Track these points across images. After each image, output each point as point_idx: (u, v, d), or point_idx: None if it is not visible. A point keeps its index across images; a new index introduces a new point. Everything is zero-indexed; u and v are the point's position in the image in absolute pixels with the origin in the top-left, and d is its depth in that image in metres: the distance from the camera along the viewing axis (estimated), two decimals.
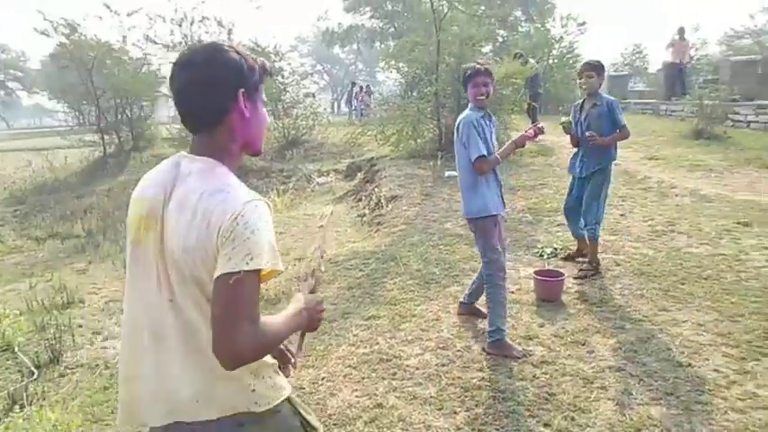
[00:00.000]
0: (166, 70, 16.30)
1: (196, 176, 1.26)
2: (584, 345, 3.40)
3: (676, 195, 6.61)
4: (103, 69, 16.14)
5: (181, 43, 14.11)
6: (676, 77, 14.55)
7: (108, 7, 14.81)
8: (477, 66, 3.50)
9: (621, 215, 5.97)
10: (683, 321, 3.59)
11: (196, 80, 1.26)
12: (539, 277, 4.11)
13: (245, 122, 1.31)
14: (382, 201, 7.57)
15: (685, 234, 5.23)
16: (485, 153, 3.38)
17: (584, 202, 4.54)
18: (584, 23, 21.03)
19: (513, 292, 4.23)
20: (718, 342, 3.30)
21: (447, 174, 8.29)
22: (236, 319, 1.15)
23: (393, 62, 12.63)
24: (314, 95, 24.95)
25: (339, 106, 44.50)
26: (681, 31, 14.77)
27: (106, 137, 16.94)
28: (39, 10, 14.72)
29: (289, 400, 1.41)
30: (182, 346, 1.26)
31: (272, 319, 1.28)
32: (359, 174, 11.37)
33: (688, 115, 12.02)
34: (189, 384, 1.27)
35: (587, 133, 4.39)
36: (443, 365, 3.31)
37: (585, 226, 4.59)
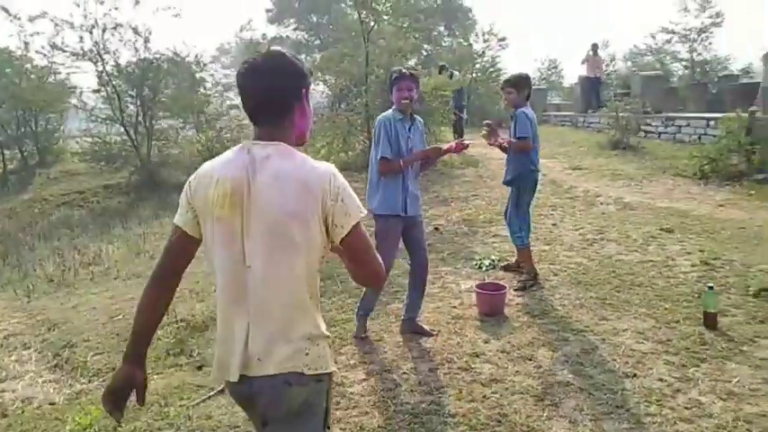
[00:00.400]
0: (77, 80, 15.27)
1: (278, 157, 1.45)
2: (530, 360, 3.33)
3: (602, 204, 6.83)
4: (1, 78, 14.87)
5: (92, 51, 13.18)
6: (592, 91, 15.32)
7: (6, 10, 13.61)
8: (404, 70, 3.62)
9: (553, 224, 6.07)
10: (624, 330, 3.61)
11: (271, 82, 1.47)
12: (481, 291, 4.03)
13: (303, 116, 1.55)
14: None
15: (615, 242, 5.37)
16: (388, 155, 3.45)
17: (508, 210, 4.66)
18: (504, 39, 21.84)
19: (455, 307, 4.14)
20: (658, 350, 3.33)
21: None
22: (371, 252, 1.50)
23: (320, 74, 12.46)
24: (238, 107, 24.32)
25: None
26: (594, 47, 15.60)
27: (7, 152, 15.60)
28: None
29: (329, 378, 1.53)
30: (256, 309, 1.44)
31: None
32: None
33: (604, 127, 12.64)
34: (265, 342, 1.44)
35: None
36: (390, 390, 3.13)
37: (512, 235, 4.64)
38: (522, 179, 4.49)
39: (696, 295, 4.03)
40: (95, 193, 14.57)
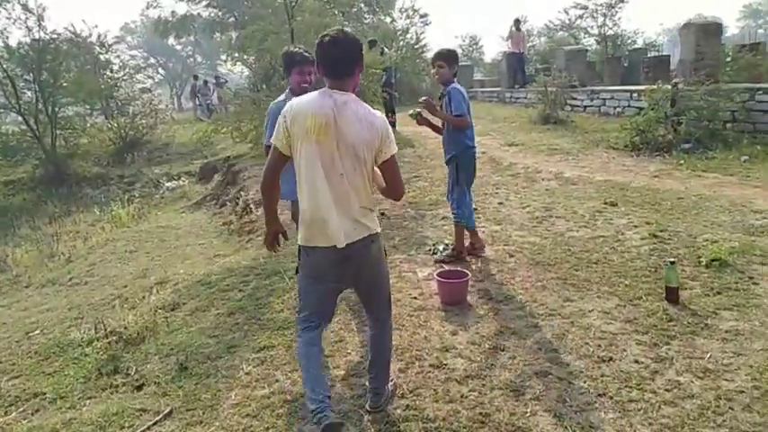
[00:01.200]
0: None
1: (353, 103, 2.31)
2: (503, 350, 3.17)
3: (543, 180, 6.84)
4: None
5: None
6: (517, 66, 15.54)
7: None
8: (306, 53, 3.61)
9: (500, 203, 5.99)
10: (590, 311, 3.54)
11: (346, 50, 2.31)
12: (442, 280, 3.84)
13: (359, 77, 2.42)
14: (251, 205, 6.87)
15: (563, 218, 5.35)
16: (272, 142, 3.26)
17: (449, 187, 4.57)
18: (426, 16, 21.74)
19: (416, 298, 3.92)
20: (628, 330, 3.28)
21: None
22: (399, 176, 2.47)
23: (238, 54, 11.77)
24: (150, 90, 22.77)
25: (180, 102, 41.34)
26: (516, 22, 15.78)
27: None
28: None
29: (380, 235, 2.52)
30: (346, 199, 2.31)
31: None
32: (215, 176, 10.43)
33: (532, 102, 12.84)
34: (351, 220, 2.34)
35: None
36: (360, 397, 2.86)
37: (451, 210, 4.58)
38: (461, 157, 4.41)
39: (652, 269, 4.05)
40: None
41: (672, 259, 3.64)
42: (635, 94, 10.23)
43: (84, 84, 14.25)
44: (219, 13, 30.70)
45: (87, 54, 16.04)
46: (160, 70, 50.85)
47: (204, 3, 31.07)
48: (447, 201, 4.79)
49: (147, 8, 36.05)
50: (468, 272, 3.95)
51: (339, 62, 2.29)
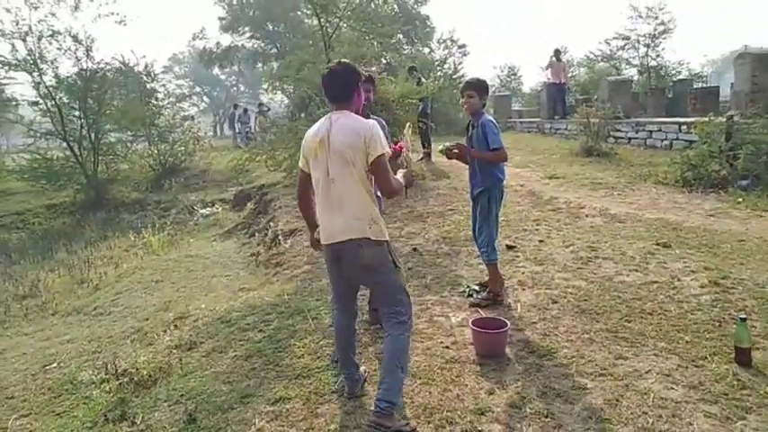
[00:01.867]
0: (13, 91, 14.02)
1: (344, 118, 2.71)
2: (547, 416, 2.78)
3: (587, 216, 6.42)
4: None
5: (26, 60, 12.13)
6: (557, 97, 15.16)
7: None
8: (365, 72, 3.42)
9: (541, 241, 5.60)
10: (647, 372, 3.11)
11: (341, 80, 2.75)
12: (478, 329, 3.48)
13: (359, 100, 2.86)
14: (279, 236, 6.67)
15: (611, 260, 4.92)
16: None
17: (477, 224, 4.28)
18: (464, 46, 21.63)
19: (448, 347, 3.57)
20: (693, 397, 2.85)
21: None
22: (387, 176, 2.70)
23: (278, 83, 11.80)
24: (193, 118, 23.27)
25: (222, 129, 42.29)
26: (557, 52, 15.46)
27: None
28: None
29: (387, 244, 2.79)
30: (337, 203, 2.71)
31: (397, 176, 2.88)
32: (248, 203, 10.33)
33: (573, 133, 12.41)
34: (342, 221, 2.71)
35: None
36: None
37: (480, 249, 4.32)
38: (495, 190, 4.17)
39: (716, 323, 3.60)
40: (36, 214, 13.42)
41: (743, 315, 3.19)
42: (684, 127, 9.70)
43: (128, 111, 14.57)
44: (262, 45, 31.54)
45: (134, 83, 16.45)
46: (205, 98, 52.39)
47: (248, 35, 32.09)
48: (473, 241, 4.54)
49: (194, 39, 37.31)
50: (506, 321, 3.58)
51: (336, 90, 2.76)
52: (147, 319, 5.20)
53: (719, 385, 2.93)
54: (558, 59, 15.39)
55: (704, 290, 4.14)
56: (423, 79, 11.45)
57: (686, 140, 9.41)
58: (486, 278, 4.41)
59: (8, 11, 11.56)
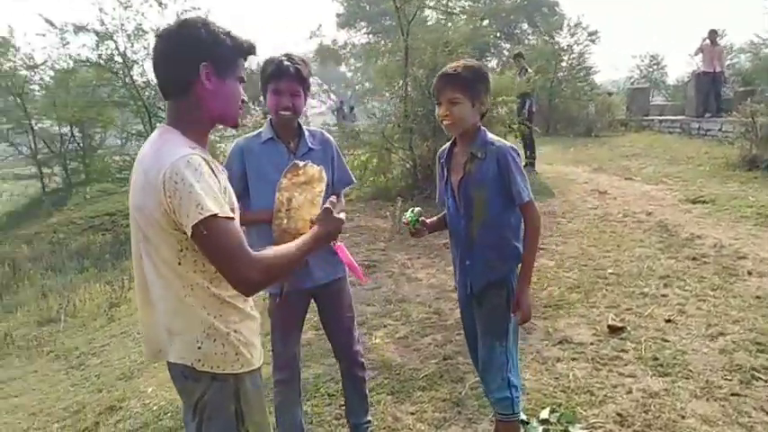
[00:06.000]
0: (104, 92, 14.08)
1: (149, 143, 1.46)
2: None
3: (750, 274, 4.14)
4: (35, 91, 14.14)
5: (115, 60, 11.99)
6: (710, 89, 12.11)
7: (51, 23, 12.72)
8: (285, 62, 2.19)
9: (668, 321, 3.52)
10: None
11: (163, 53, 1.45)
12: None
13: (210, 94, 1.44)
14: None
15: None
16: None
17: (480, 344, 2.22)
18: (595, 33, 18.74)
19: None
20: None
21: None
22: (227, 258, 1.33)
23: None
24: (306, 116, 22.99)
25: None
26: (712, 34, 12.36)
27: (47, 169, 14.81)
28: None
29: (236, 379, 1.46)
30: (144, 297, 1.47)
31: (280, 247, 1.49)
32: None
33: (729, 136, 9.57)
34: (153, 330, 1.47)
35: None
36: None
37: (488, 394, 2.25)
38: (509, 286, 2.15)
39: None
40: (126, 215, 13.36)
41: None
42: None
43: None
44: (380, 40, 30.69)
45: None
46: (332, 96, 53.02)
47: (364, 30, 31.55)
48: (476, 375, 2.58)
49: (311, 37, 37.59)
50: None
51: (157, 72, 1.50)
52: (111, 390, 3.99)
53: None
54: (714, 43, 12.29)
55: None
56: (528, 69, 9.38)
57: None
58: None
59: (101, 10, 11.11)
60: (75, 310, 6.85)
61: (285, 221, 1.84)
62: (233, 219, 1.37)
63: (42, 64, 14.00)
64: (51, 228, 12.69)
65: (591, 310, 3.80)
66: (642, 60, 26.65)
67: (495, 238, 2.11)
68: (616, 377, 2.96)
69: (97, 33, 11.88)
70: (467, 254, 2.17)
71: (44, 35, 14.03)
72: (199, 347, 1.42)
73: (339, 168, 2.42)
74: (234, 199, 1.51)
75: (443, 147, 2.31)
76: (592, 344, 3.33)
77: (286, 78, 2.18)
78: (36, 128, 14.39)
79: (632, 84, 23.08)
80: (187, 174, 1.31)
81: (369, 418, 2.62)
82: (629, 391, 2.81)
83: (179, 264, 1.39)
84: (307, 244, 1.51)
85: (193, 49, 1.42)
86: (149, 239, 1.41)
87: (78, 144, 15.62)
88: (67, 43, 12.79)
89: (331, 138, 2.47)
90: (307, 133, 2.34)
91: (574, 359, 3.18)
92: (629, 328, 3.45)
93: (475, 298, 2.20)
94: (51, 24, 12.54)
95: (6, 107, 14.29)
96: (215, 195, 1.34)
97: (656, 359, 3.08)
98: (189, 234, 1.32)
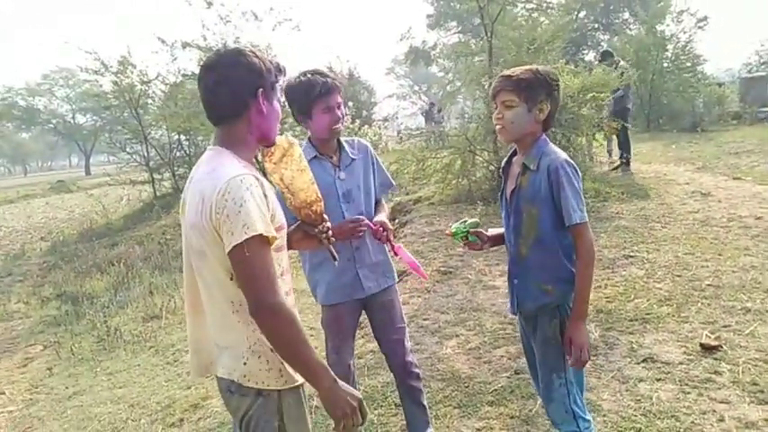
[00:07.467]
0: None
1: (204, 163, 1.52)
2: None
3: None
4: (149, 104, 15.39)
5: None
6: None
7: (163, 41, 13.89)
8: (328, 78, 2.22)
9: None
10: None
11: (222, 80, 1.49)
12: None
13: (263, 117, 1.54)
14: None
15: None
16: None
17: (539, 372, 2.07)
18: (704, 18, 17.24)
19: None
20: None
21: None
22: (260, 278, 1.37)
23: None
24: (385, 119, 23.21)
25: None
26: None
27: (158, 176, 16.09)
28: (88, 50, 14.21)
29: (280, 395, 1.50)
30: (194, 312, 1.59)
31: (301, 329, 1.44)
32: (395, 221, 9.10)
33: None
34: (203, 345, 1.58)
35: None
36: None
37: (554, 425, 2.10)
38: (567, 308, 1.96)
39: None
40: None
41: None
42: None
43: None
44: (472, 40, 30.37)
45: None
46: (423, 97, 53.17)
47: (454, 30, 31.35)
48: (535, 385, 2.38)
49: (401, 40, 37.87)
50: None
51: (216, 98, 1.55)
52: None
53: None
54: None
55: None
56: (622, 62, 8.82)
57: None
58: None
59: (204, 26, 11.97)
60: (175, 307, 7.34)
61: (291, 198, 1.90)
62: (277, 239, 1.45)
63: (155, 78, 15.28)
64: (160, 229, 13.72)
65: (682, 325, 3.50)
66: (762, 45, 24.20)
67: (546, 259, 1.97)
68: (707, 402, 2.69)
69: (200, 48, 12.76)
70: (515, 271, 2.06)
71: (157, 52, 15.34)
72: (244, 363, 1.48)
73: (379, 173, 2.45)
74: (282, 218, 1.56)
75: (509, 154, 2.22)
76: (681, 363, 3.06)
77: (334, 93, 2.22)
78: (149, 137, 15.67)
79: (749, 72, 21.01)
80: (239, 193, 1.38)
81: (431, 430, 2.58)
82: (721, 419, 2.55)
83: (230, 279, 1.45)
84: (312, 362, 1.44)
85: (252, 75, 1.50)
86: (201, 256, 1.47)
87: (185, 151, 16.85)
88: (175, 59, 13.89)
89: (368, 144, 2.50)
90: (346, 145, 2.36)
91: (659, 379, 2.94)
92: (725, 348, 3.14)
93: (525, 320, 2.09)
94: (163, 42, 13.71)
95: (126, 119, 15.68)
96: (262, 216, 1.40)
97: (756, 384, 2.77)
98: (227, 250, 1.37)
